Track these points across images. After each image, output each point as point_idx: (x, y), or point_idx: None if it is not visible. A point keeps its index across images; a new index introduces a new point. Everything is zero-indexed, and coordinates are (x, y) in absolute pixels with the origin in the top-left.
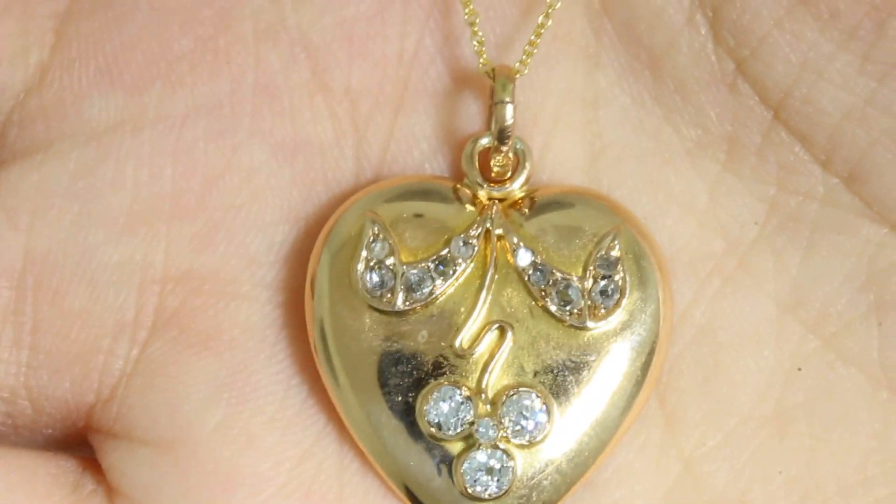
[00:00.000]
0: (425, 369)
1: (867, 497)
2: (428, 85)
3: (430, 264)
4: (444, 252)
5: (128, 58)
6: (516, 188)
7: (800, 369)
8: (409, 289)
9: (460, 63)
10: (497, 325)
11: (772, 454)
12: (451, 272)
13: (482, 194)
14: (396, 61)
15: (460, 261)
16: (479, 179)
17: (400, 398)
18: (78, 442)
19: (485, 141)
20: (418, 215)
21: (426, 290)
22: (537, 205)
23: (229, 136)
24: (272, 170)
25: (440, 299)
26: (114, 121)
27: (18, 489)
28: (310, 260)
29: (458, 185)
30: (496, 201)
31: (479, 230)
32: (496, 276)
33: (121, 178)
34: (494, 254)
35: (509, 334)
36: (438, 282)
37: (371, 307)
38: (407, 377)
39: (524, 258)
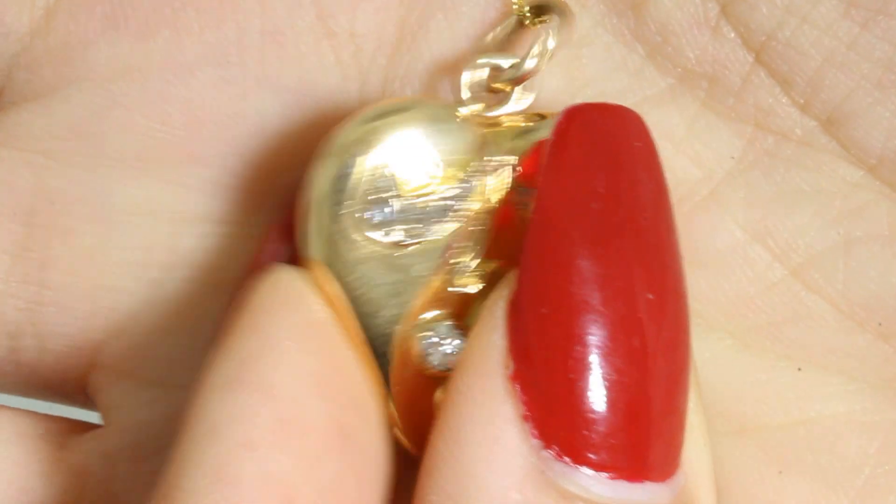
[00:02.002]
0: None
1: (824, 410)
2: (425, 24)
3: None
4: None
5: (133, 4)
6: (511, 111)
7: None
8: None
9: (459, 2)
10: None
11: (733, 362)
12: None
13: (475, 114)
14: (398, 2)
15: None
16: (481, 103)
17: None
18: (76, 389)
19: (500, 62)
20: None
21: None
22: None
23: (238, 83)
24: (282, 115)
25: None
26: (121, 67)
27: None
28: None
29: (459, 108)
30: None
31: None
32: None
33: (130, 123)
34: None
35: None
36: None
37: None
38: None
39: None
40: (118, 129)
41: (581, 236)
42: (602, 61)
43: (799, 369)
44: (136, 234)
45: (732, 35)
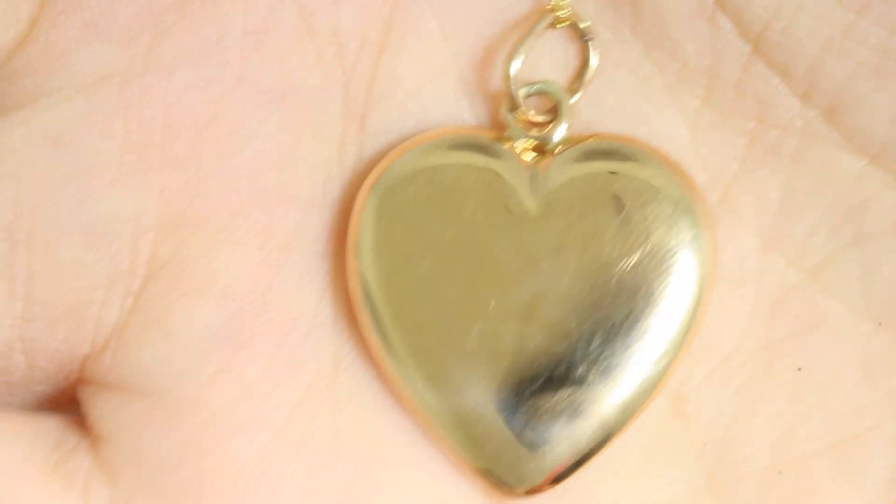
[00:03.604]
0: None
1: (854, 428)
2: (411, 24)
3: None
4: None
5: (114, 10)
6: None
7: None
8: None
9: (444, 1)
10: None
11: (757, 388)
12: None
13: (521, 143)
14: (381, 1)
15: None
16: (522, 129)
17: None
18: (68, 400)
19: (538, 87)
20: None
21: None
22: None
23: (217, 84)
24: (261, 116)
25: None
26: (101, 73)
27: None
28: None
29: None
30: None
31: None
32: None
33: (110, 129)
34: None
35: None
36: None
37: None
38: None
39: None
40: (98, 137)
41: None
42: (601, 57)
43: (799, 369)
44: (119, 244)
45: (729, 26)
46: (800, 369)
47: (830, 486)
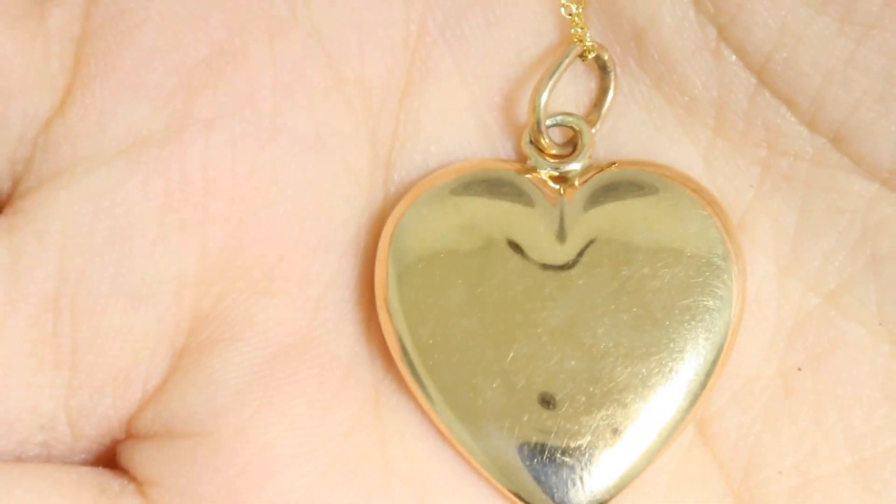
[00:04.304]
0: None
1: (875, 447)
2: (431, 66)
3: None
4: None
5: (147, 69)
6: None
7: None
8: None
9: (464, 42)
10: None
11: (779, 411)
12: None
13: (544, 174)
14: (403, 45)
15: None
16: (543, 160)
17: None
18: (108, 461)
19: (559, 118)
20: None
21: None
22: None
23: (252, 137)
24: (297, 165)
25: None
26: (139, 133)
27: (47, 498)
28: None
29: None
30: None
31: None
32: None
33: (151, 189)
34: None
35: None
36: None
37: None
38: None
39: None
40: (138, 198)
41: None
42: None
43: (799, 369)
44: (161, 304)
45: (734, 58)
46: (799, 368)
47: None
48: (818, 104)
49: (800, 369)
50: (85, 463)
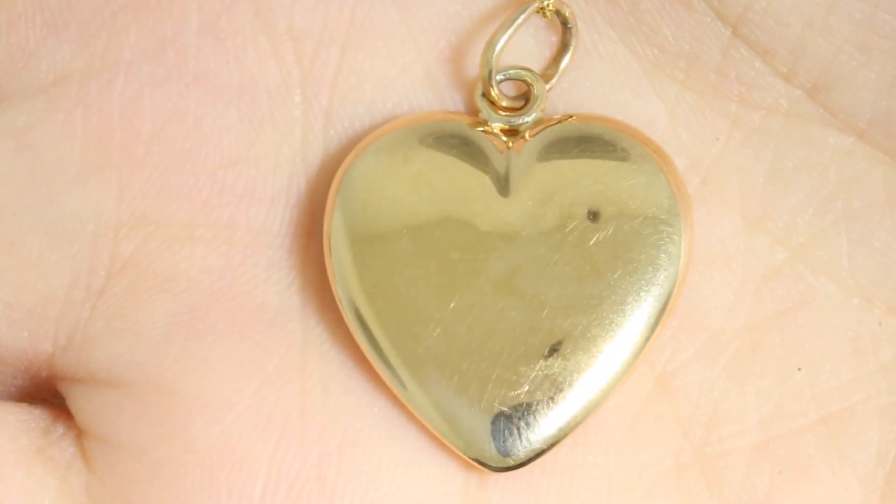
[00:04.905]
0: None
1: (843, 402)
2: (375, 18)
3: None
4: None
5: (73, 9)
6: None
7: (799, 369)
8: None
9: None
10: None
11: (744, 366)
12: None
13: (495, 128)
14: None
15: None
16: (495, 114)
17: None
18: (50, 391)
19: (511, 73)
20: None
21: None
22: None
23: (174, 82)
24: (219, 113)
25: None
26: (61, 73)
27: None
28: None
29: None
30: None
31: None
32: None
33: (70, 128)
34: None
35: None
36: None
37: None
38: None
39: None
40: (59, 136)
41: None
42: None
43: (799, 369)
44: (81, 243)
45: (706, 9)
46: (800, 369)
47: (821, 461)
48: (797, 54)
49: (800, 369)
50: (23, 388)
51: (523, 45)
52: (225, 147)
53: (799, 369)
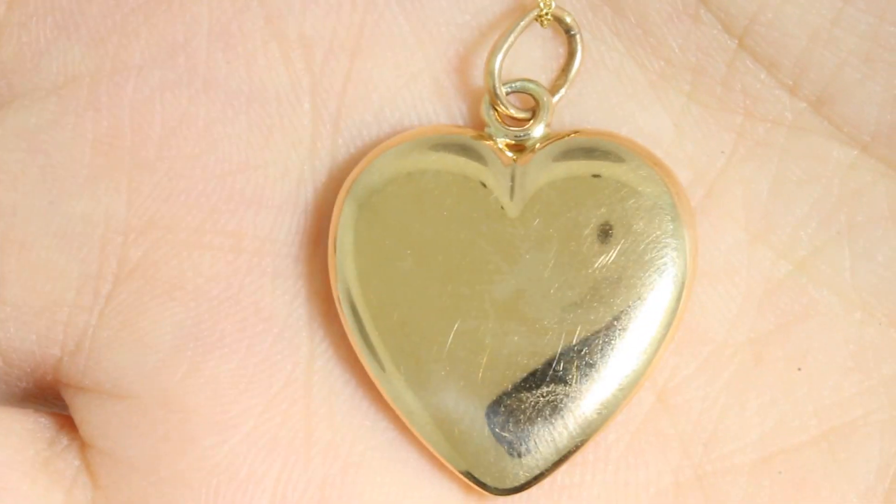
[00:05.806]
0: None
1: (844, 417)
2: (384, 27)
3: None
4: None
5: (83, 11)
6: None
7: (799, 369)
8: None
9: (418, 3)
10: None
11: (746, 381)
12: None
13: (501, 142)
14: (350, 5)
15: None
16: (502, 127)
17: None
18: (53, 396)
19: (518, 85)
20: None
21: None
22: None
23: (185, 86)
24: (228, 118)
25: None
26: (72, 74)
27: None
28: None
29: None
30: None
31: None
32: None
33: (81, 130)
34: None
35: None
36: None
37: None
38: None
39: None
40: (69, 138)
41: None
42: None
43: (799, 369)
44: (90, 246)
45: (713, 22)
46: (799, 369)
47: (822, 476)
48: (802, 66)
49: (799, 369)
50: (27, 391)
51: (531, 57)
52: (234, 153)
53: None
